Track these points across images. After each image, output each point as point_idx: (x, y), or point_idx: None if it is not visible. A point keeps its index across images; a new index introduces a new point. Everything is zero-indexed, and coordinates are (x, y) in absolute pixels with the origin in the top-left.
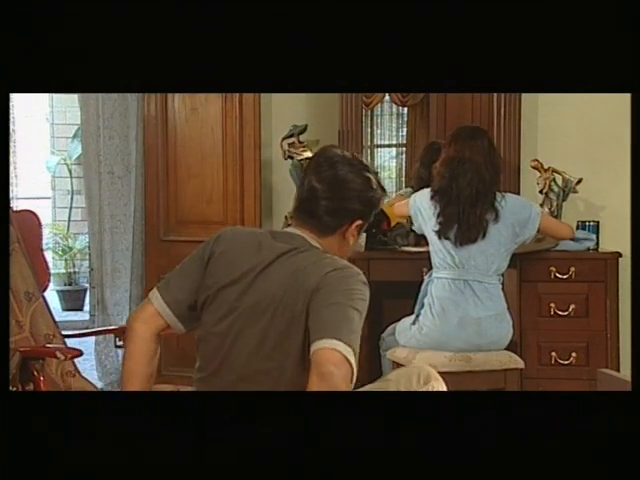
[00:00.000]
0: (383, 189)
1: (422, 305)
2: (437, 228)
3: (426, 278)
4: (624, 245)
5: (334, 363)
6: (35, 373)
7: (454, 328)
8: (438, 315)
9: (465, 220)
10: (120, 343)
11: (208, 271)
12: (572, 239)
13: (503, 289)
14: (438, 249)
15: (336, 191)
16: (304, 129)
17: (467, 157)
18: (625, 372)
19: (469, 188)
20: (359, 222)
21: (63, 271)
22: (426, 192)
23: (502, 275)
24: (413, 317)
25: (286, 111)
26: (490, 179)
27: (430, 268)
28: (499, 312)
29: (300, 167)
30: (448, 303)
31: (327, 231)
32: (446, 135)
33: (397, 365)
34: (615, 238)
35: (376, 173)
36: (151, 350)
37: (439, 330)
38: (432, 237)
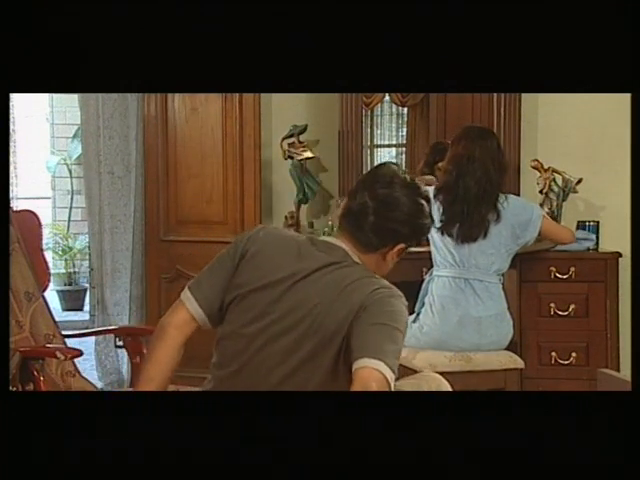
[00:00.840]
0: (432, 219)
1: (422, 304)
2: (439, 225)
3: (427, 277)
4: (624, 245)
5: (376, 382)
6: (35, 373)
7: (454, 327)
8: (438, 313)
9: (469, 218)
10: (120, 343)
11: (239, 270)
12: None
13: (503, 289)
14: (439, 247)
15: (388, 211)
16: (304, 129)
17: (477, 156)
18: (625, 372)
19: (476, 187)
20: (402, 246)
21: (63, 271)
22: (429, 190)
23: (503, 275)
24: (414, 316)
25: (286, 111)
26: (497, 180)
27: (430, 267)
28: (499, 312)
29: (300, 167)
30: (448, 301)
31: (370, 248)
32: (447, 135)
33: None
34: (615, 238)
35: (429, 200)
36: (179, 356)
37: (439, 329)
38: (434, 234)
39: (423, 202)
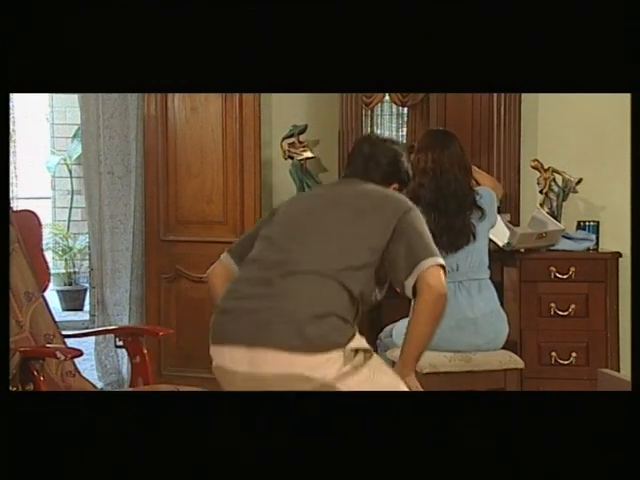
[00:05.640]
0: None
1: None
2: None
3: None
4: (624, 245)
5: (440, 277)
6: (35, 373)
7: (451, 331)
8: None
9: (452, 229)
10: (120, 343)
11: (267, 224)
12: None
13: (495, 286)
14: None
15: (385, 157)
16: (304, 129)
17: (447, 167)
18: (625, 372)
19: (453, 198)
20: (395, 185)
21: (63, 271)
22: None
23: (490, 268)
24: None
25: (286, 111)
26: (466, 183)
27: None
28: (493, 309)
29: (300, 167)
30: None
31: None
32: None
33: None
34: (615, 238)
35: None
36: (224, 289)
37: (437, 334)
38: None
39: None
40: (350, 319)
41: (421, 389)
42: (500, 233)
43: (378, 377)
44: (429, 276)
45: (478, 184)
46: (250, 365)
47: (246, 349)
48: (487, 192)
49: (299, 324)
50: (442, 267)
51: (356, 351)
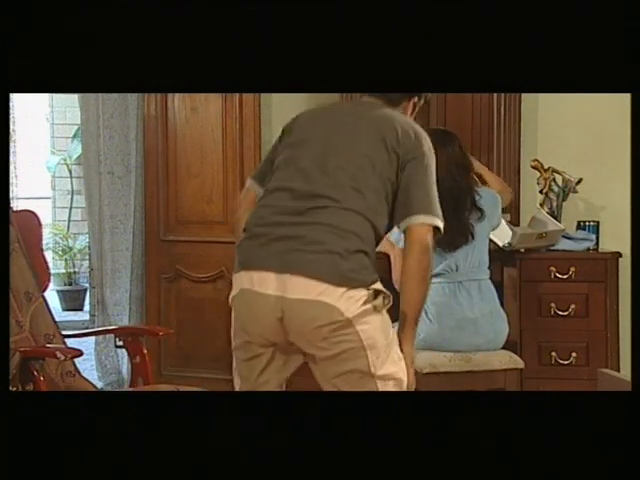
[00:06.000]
0: None
1: None
2: None
3: None
4: (624, 245)
5: (425, 235)
6: (35, 373)
7: (452, 331)
8: (435, 319)
9: (449, 228)
10: (120, 343)
11: (286, 146)
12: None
13: (495, 286)
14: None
15: None
16: None
17: (443, 165)
18: (625, 372)
19: (450, 197)
20: (415, 99)
21: (63, 271)
22: None
23: (489, 268)
24: None
25: (286, 111)
26: (465, 183)
27: None
28: (493, 309)
29: None
30: (443, 307)
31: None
32: None
33: None
34: (615, 238)
35: None
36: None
37: (437, 335)
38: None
39: None
40: (374, 259)
41: (413, 369)
42: (503, 234)
43: (390, 329)
44: (414, 232)
45: (485, 185)
46: (277, 289)
47: (275, 274)
48: (489, 193)
49: (332, 256)
50: (434, 227)
51: (377, 293)
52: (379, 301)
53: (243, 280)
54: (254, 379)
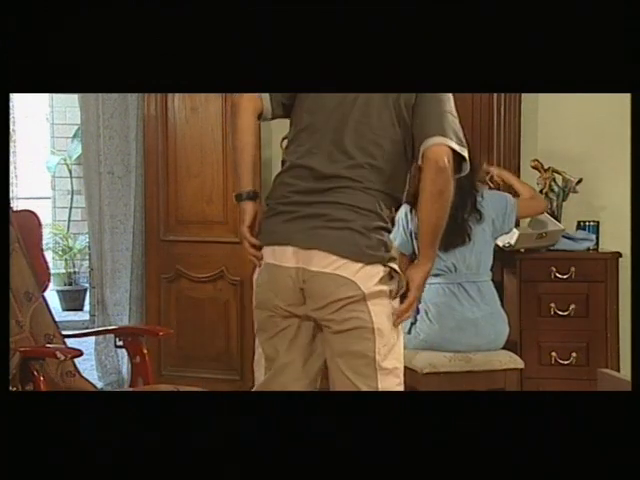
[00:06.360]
0: None
1: (417, 311)
2: None
3: None
4: (624, 245)
5: (441, 153)
6: (35, 373)
7: (452, 331)
8: (435, 320)
9: (449, 228)
10: (120, 343)
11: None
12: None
13: (496, 286)
14: None
15: None
16: None
17: None
18: (625, 372)
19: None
20: None
21: (63, 271)
22: (404, 208)
23: (492, 270)
24: (408, 325)
25: None
26: (468, 184)
27: None
28: (494, 311)
29: None
30: (444, 308)
31: None
32: None
33: None
34: (615, 238)
35: None
36: (254, 122)
37: (438, 335)
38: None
39: None
40: (390, 236)
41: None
42: (508, 236)
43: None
44: (429, 153)
45: (508, 190)
46: (297, 261)
47: (298, 249)
48: (498, 198)
49: (352, 233)
50: (450, 148)
51: (393, 274)
52: (394, 285)
53: (267, 255)
54: (280, 357)
